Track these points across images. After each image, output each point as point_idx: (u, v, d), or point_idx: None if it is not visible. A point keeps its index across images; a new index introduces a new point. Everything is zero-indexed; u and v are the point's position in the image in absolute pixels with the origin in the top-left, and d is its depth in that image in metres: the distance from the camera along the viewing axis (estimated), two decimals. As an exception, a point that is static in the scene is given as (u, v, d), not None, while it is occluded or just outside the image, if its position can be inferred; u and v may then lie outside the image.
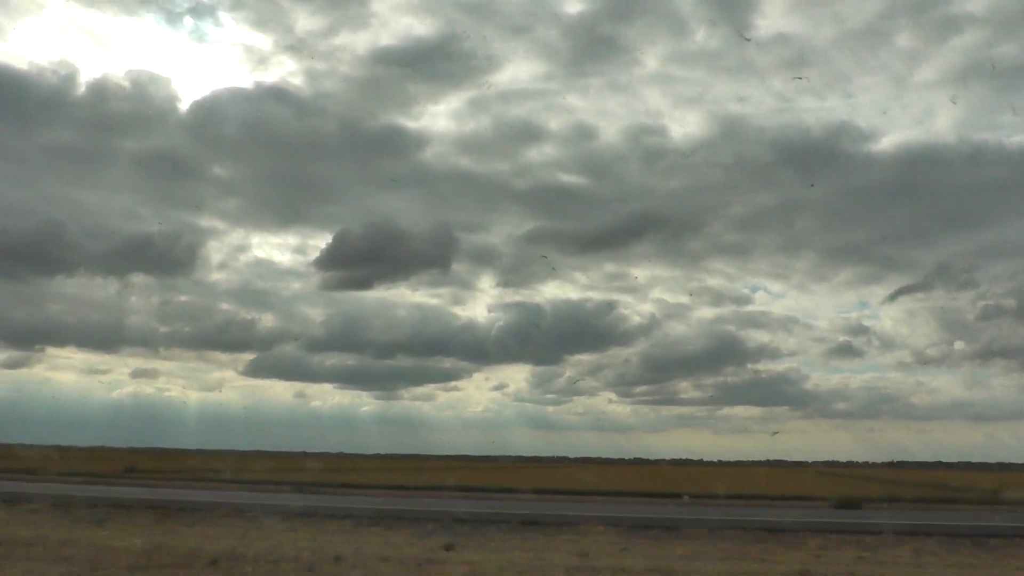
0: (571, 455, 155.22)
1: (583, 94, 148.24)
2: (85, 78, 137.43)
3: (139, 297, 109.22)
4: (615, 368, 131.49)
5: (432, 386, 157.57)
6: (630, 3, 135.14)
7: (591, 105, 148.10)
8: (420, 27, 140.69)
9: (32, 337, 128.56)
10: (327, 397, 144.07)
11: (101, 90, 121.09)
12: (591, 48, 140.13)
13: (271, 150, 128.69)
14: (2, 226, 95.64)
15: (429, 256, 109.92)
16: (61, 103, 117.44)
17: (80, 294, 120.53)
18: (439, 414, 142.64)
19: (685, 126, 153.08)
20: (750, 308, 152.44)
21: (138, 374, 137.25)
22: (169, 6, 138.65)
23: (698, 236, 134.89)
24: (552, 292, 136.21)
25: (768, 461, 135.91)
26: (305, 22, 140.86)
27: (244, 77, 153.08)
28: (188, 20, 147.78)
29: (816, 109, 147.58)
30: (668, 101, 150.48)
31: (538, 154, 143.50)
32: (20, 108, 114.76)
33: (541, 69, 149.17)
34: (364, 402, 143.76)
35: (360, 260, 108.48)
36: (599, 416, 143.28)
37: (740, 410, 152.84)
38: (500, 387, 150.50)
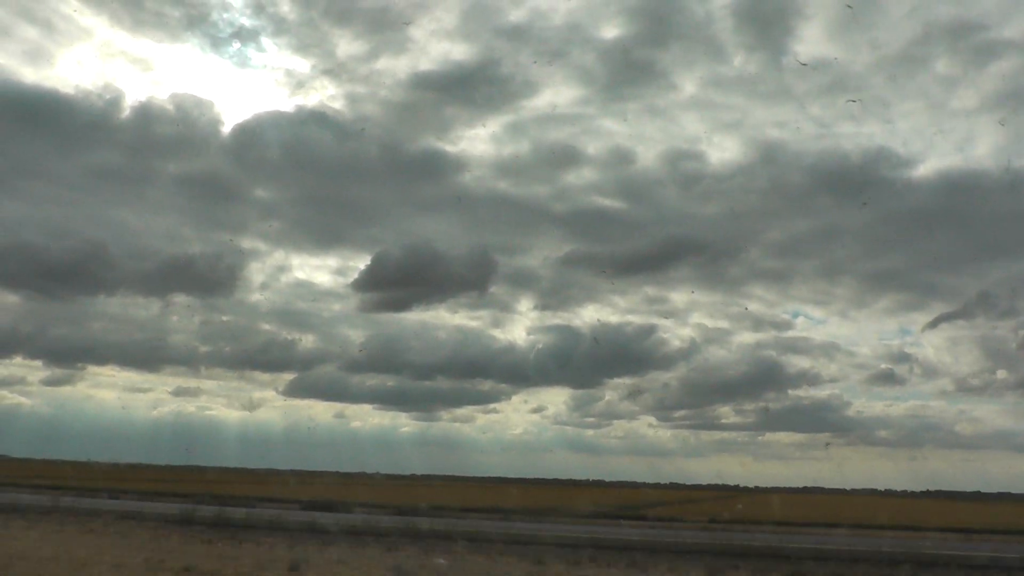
0: (608, 479, 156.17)
1: (620, 118, 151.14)
2: (130, 102, 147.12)
3: (180, 317, 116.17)
4: (655, 392, 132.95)
5: (471, 408, 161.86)
6: (666, 28, 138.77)
7: (628, 129, 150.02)
8: (458, 52, 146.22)
9: (74, 355, 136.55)
10: (367, 417, 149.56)
11: (146, 113, 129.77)
12: (628, 73, 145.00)
13: (312, 173, 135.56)
14: (46, 246, 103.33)
15: (467, 279, 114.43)
16: (106, 126, 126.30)
17: (121, 313, 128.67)
18: (479, 436, 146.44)
19: (723, 151, 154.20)
20: (791, 334, 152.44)
21: (179, 393, 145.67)
22: (213, 32, 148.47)
23: (737, 261, 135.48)
24: (591, 315, 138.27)
25: (806, 488, 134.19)
26: (346, 47, 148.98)
27: (285, 101, 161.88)
28: (231, 46, 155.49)
29: (854, 135, 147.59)
30: (706, 126, 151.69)
31: (576, 178, 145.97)
32: (66, 131, 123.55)
33: (578, 94, 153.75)
34: (404, 423, 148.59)
35: (398, 282, 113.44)
36: (639, 440, 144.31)
37: (782, 436, 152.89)
38: (539, 410, 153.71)
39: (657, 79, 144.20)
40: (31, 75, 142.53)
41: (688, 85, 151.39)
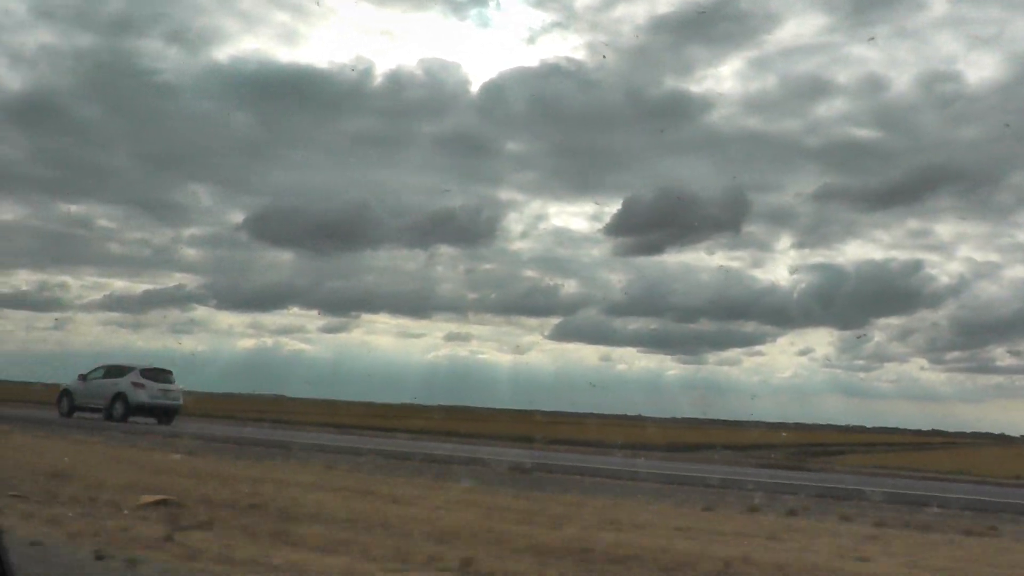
0: (881, 425, 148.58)
1: (870, 44, 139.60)
2: (381, 70, 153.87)
3: (445, 267, 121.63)
4: (924, 332, 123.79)
5: (737, 350, 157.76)
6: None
7: (879, 55, 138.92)
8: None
9: (347, 305, 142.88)
10: (632, 361, 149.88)
11: (396, 80, 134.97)
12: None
13: (560, 123, 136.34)
14: (312, 208, 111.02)
15: (720, 219, 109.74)
16: (360, 95, 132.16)
17: (389, 266, 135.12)
18: (748, 379, 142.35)
19: (982, 69, 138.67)
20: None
21: (451, 338, 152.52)
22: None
23: (1001, 188, 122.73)
24: (854, 252, 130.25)
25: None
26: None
27: (529, 56, 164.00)
28: (472, 8, 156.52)
29: None
30: (961, 44, 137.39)
31: (828, 109, 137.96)
32: (324, 102, 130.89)
33: (823, 22, 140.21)
34: (669, 366, 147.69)
35: (650, 225, 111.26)
36: (911, 384, 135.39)
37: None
38: (806, 352, 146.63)
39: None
40: (286, 54, 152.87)
41: (939, 2, 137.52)
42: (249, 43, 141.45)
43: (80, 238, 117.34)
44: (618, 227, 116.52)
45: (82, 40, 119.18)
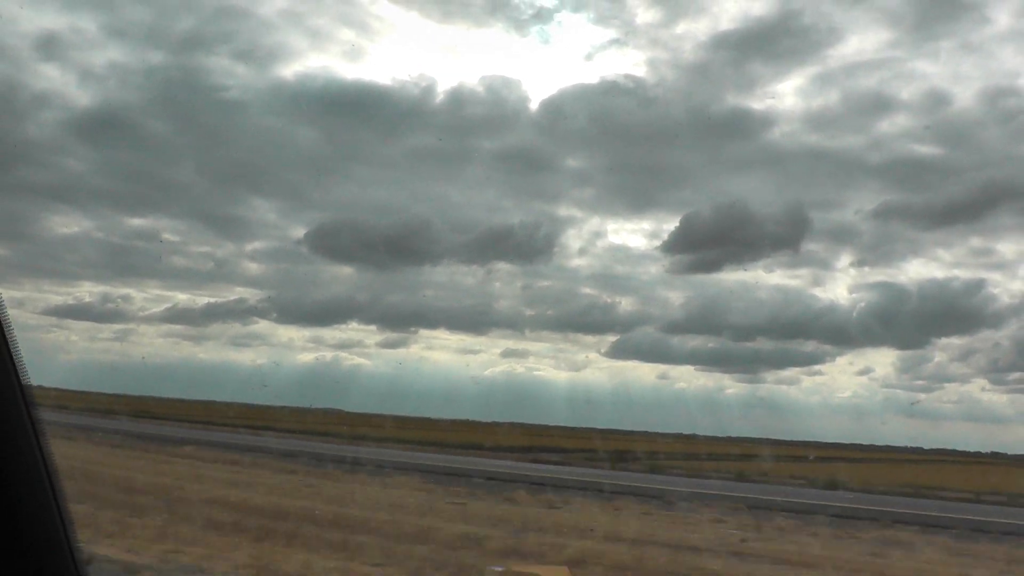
0: (940, 447, 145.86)
1: (933, 59, 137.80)
2: (443, 87, 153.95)
3: (503, 283, 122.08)
4: (986, 353, 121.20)
5: (796, 369, 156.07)
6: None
7: (943, 70, 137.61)
8: (757, 7, 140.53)
9: (406, 320, 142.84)
10: (690, 379, 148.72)
11: (458, 97, 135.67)
12: (937, 10, 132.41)
13: (620, 140, 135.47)
14: (374, 222, 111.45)
15: (780, 236, 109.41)
16: (423, 111, 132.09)
17: (448, 281, 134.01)
18: (806, 399, 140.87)
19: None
20: None
21: (508, 354, 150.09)
22: (515, 15, 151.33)
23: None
24: (915, 270, 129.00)
25: None
26: (643, 15, 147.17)
27: (589, 72, 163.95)
28: (534, 25, 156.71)
29: None
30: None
31: (890, 125, 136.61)
32: (387, 118, 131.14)
33: (886, 37, 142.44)
34: (727, 384, 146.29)
35: (708, 243, 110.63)
36: (972, 405, 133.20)
37: None
38: (866, 372, 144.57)
39: (968, 13, 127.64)
40: (351, 71, 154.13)
41: (1003, 16, 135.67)
42: (315, 60, 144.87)
43: (144, 251, 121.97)
44: (676, 245, 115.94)
45: (152, 57, 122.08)
